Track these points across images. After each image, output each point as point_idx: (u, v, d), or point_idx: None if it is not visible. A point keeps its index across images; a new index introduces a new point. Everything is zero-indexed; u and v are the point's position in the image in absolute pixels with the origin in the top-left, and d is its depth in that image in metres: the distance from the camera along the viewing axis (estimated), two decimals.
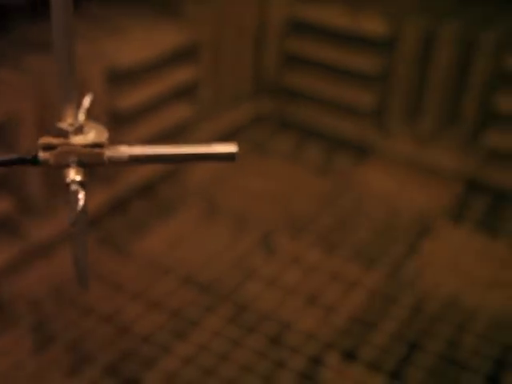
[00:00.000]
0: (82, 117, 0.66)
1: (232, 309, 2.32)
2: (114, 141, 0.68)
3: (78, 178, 0.64)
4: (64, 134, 0.65)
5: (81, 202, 0.61)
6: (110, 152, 0.66)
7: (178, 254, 2.57)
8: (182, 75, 2.96)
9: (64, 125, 0.66)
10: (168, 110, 2.94)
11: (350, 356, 2.17)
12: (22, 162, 0.65)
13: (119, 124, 2.72)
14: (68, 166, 0.65)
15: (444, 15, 2.99)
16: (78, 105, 0.67)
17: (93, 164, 0.66)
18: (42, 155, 0.65)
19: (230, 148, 0.65)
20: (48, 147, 0.65)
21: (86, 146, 0.65)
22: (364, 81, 3.19)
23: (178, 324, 2.25)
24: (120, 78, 2.66)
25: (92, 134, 0.66)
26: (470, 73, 2.94)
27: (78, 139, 0.65)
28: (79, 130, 0.66)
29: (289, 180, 3.10)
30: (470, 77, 2.95)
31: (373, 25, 3.09)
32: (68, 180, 0.64)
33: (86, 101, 0.68)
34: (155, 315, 2.28)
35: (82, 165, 0.65)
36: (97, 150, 0.65)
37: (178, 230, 2.70)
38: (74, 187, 0.63)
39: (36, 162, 0.65)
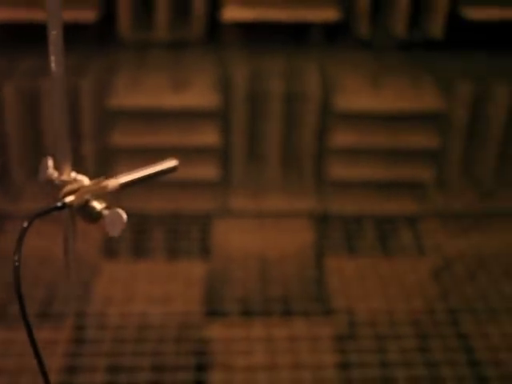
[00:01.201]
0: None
1: None
2: None
3: (104, 204, 0.83)
4: (67, 183, 0.83)
5: (124, 216, 0.80)
6: (109, 183, 0.85)
7: None
8: None
9: (65, 177, 0.84)
10: None
11: None
12: (53, 210, 0.80)
13: None
14: (87, 202, 0.83)
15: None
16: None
17: (102, 196, 0.84)
18: (67, 200, 0.81)
19: (172, 163, 0.91)
20: (68, 193, 0.82)
21: (93, 184, 0.84)
22: None
23: None
24: None
25: (83, 178, 0.85)
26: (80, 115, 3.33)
27: (83, 182, 0.84)
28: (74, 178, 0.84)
29: None
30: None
31: None
32: (99, 209, 0.82)
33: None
34: None
35: (96, 199, 0.83)
36: (102, 185, 0.84)
37: None
38: (106, 212, 0.82)
39: (64, 206, 0.81)
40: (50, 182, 0.85)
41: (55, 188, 0.83)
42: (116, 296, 2.91)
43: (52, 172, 0.85)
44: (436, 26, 3.47)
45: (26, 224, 0.76)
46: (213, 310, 2.83)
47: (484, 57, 3.51)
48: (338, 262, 3.18)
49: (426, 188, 3.50)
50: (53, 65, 0.78)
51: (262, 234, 3.35)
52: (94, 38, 3.38)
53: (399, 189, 3.52)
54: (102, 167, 3.42)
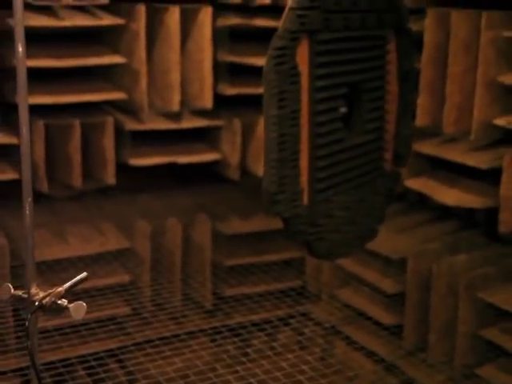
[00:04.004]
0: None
1: None
2: None
3: (66, 301, 1.24)
4: (35, 294, 1.22)
5: (84, 304, 1.22)
6: (62, 289, 1.25)
7: None
8: None
9: (33, 291, 1.24)
10: None
11: None
12: (39, 308, 1.17)
13: None
14: (55, 301, 1.22)
15: None
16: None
17: (59, 297, 1.24)
18: (43, 302, 1.20)
19: (82, 275, 1.35)
20: (42, 298, 1.21)
21: (53, 291, 1.23)
22: None
23: None
24: None
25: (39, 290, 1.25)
26: None
27: (43, 292, 1.24)
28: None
29: None
30: None
31: None
32: (65, 304, 1.23)
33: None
34: None
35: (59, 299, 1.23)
36: (57, 290, 1.24)
37: None
38: (70, 305, 1.22)
39: (42, 306, 1.19)
40: (15, 297, 1.24)
41: (21, 300, 1.22)
42: None
43: (15, 291, 1.25)
44: (108, 175, 4.16)
45: (29, 317, 1.14)
46: None
47: (153, 196, 4.28)
48: None
49: (125, 322, 4.02)
50: None
51: None
52: None
53: (101, 326, 3.97)
54: None
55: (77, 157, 4.02)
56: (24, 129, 1.15)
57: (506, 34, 3.40)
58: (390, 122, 2.39)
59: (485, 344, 2.84)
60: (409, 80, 2.48)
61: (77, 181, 4.07)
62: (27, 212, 1.23)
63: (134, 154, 4.32)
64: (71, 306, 1.22)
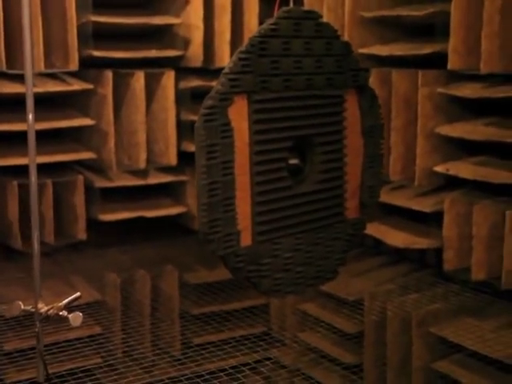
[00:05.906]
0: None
1: None
2: None
3: (66, 312, 1.61)
4: (41, 308, 1.59)
5: (80, 314, 1.59)
6: (62, 304, 1.63)
7: None
8: None
9: (40, 305, 1.61)
10: None
11: None
12: (45, 318, 1.54)
13: None
14: (57, 313, 1.59)
15: None
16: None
17: (60, 309, 1.61)
18: (49, 313, 1.57)
19: (76, 294, 1.73)
20: (47, 311, 1.58)
21: (55, 305, 1.61)
22: None
23: None
24: None
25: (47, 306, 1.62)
26: None
27: (50, 307, 1.61)
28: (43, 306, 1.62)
29: None
30: None
31: None
32: (66, 315, 1.60)
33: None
34: None
35: (60, 311, 1.60)
36: (59, 305, 1.62)
37: None
38: (70, 315, 1.60)
39: (48, 317, 1.56)
40: (26, 311, 1.61)
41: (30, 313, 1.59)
42: None
43: (25, 307, 1.62)
44: (79, 230, 4.53)
45: (38, 324, 1.51)
46: None
47: (122, 250, 4.65)
48: None
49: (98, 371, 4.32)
50: None
51: None
52: None
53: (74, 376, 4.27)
54: None
55: (49, 214, 4.39)
56: (33, 179, 1.54)
57: (440, 90, 3.91)
58: (351, 173, 2.54)
59: (438, 376, 3.08)
60: (373, 135, 2.64)
61: (49, 237, 4.43)
62: (35, 244, 1.61)
63: (104, 210, 4.71)
64: (70, 315, 1.59)
